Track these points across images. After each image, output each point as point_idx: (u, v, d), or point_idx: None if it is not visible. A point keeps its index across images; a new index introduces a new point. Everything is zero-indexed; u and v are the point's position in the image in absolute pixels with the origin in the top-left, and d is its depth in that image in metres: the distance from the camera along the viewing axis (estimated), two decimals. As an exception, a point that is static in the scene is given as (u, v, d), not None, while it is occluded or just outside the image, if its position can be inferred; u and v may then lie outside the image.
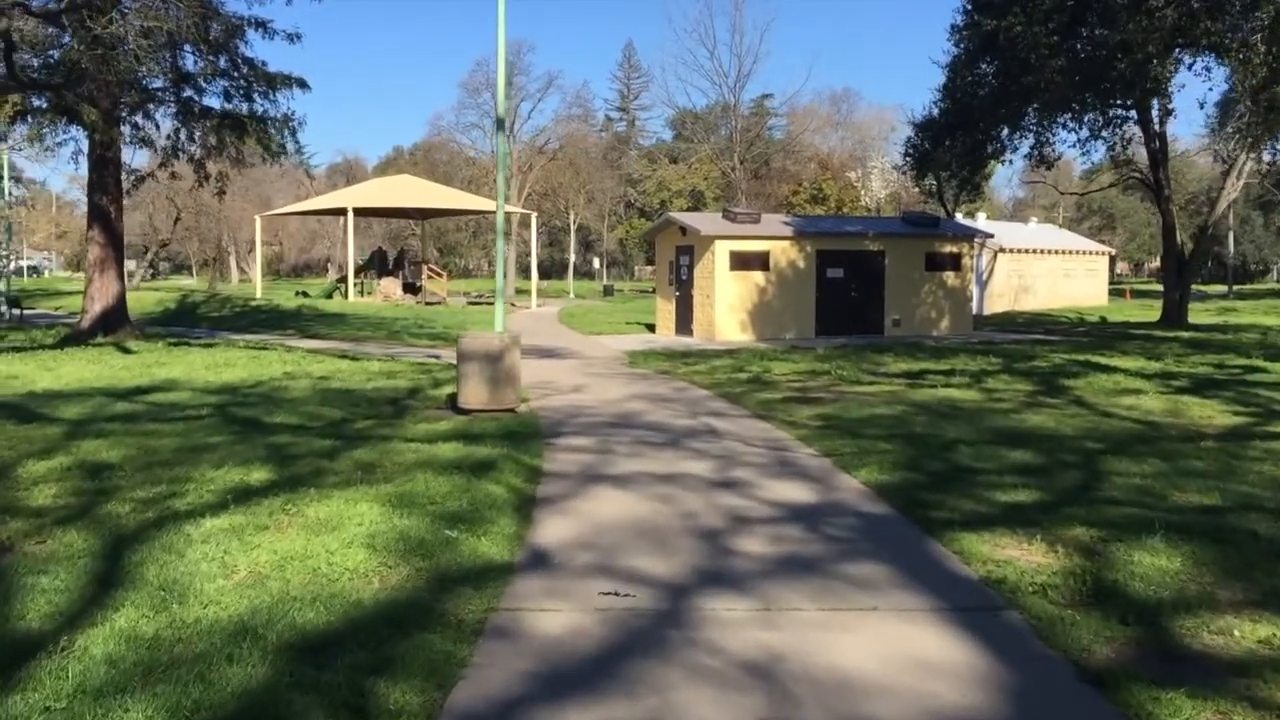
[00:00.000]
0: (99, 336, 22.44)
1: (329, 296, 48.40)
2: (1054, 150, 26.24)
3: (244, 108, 23.12)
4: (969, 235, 29.74)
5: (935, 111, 27.53)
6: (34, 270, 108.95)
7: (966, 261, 29.08)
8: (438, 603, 5.29)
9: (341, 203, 48.02)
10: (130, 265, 70.75)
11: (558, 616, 5.21)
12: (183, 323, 32.42)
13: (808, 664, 4.64)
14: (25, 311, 33.52)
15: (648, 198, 79.75)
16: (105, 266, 23.17)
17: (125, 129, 23.11)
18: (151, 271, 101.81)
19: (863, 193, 64.60)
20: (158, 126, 24.37)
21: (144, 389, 13.93)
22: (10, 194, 49.22)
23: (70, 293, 56.52)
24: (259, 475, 8.19)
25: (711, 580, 5.85)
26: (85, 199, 23.97)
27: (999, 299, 42.60)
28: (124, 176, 23.85)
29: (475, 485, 7.95)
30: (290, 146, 23.91)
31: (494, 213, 61.34)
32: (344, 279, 50.03)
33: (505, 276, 14.63)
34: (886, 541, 6.71)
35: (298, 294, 50.84)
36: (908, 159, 28.75)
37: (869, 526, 7.10)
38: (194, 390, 13.77)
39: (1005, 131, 25.59)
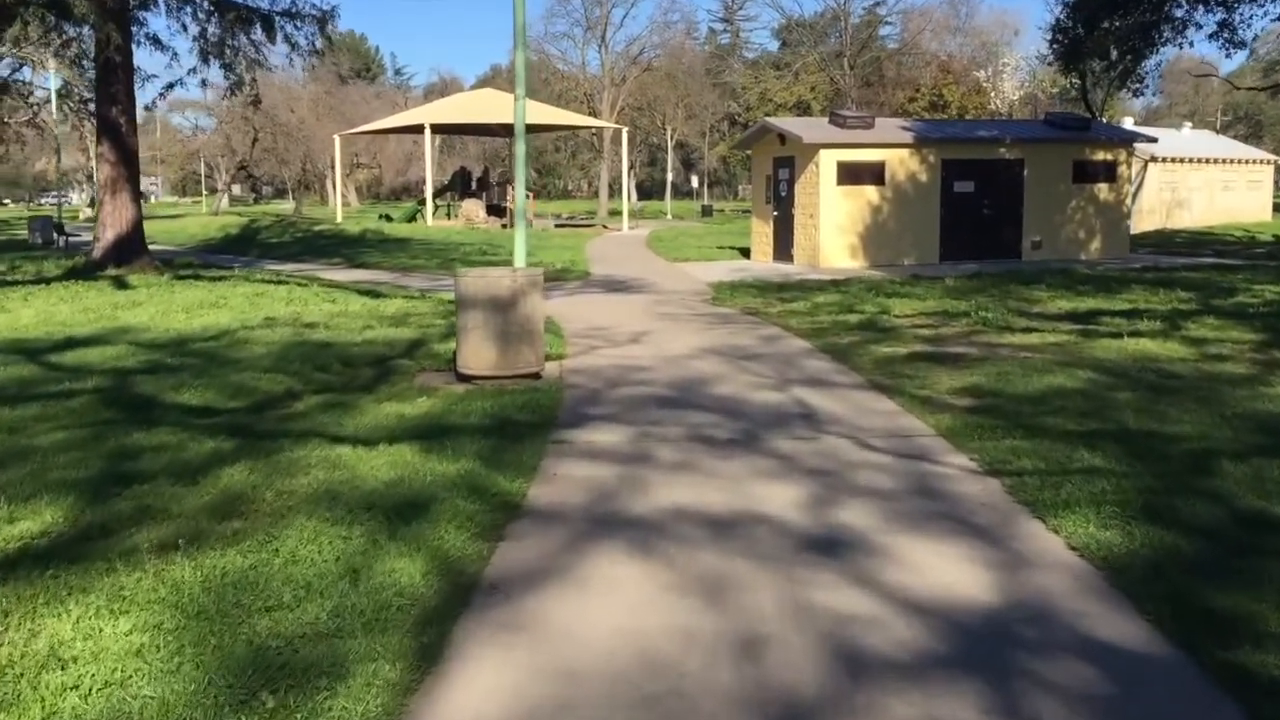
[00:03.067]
0: (109, 268, 19.64)
1: (411, 220, 45.54)
2: (1248, 26, 21.18)
3: (265, 1, 19.79)
4: (1126, 140, 24.94)
5: (1092, -14, 22.71)
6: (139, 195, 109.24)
7: (1123, 171, 24.34)
8: None
9: (419, 119, 44.76)
10: (223, 190, 69.17)
11: None
12: (236, 250, 29.75)
13: None
14: (71, 238, 31.23)
15: (750, 113, 74.72)
16: (118, 188, 20.28)
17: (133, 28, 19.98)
18: (254, 195, 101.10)
19: (992, 95, 58.30)
20: (185, 28, 21.24)
21: (75, 341, 10.84)
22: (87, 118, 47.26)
23: (158, 217, 54.82)
24: (26, 526, 4.87)
25: None
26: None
27: (1149, 215, 37.28)
28: (137, 83, 20.78)
29: (378, 555, 4.50)
30: (320, 44, 20.49)
31: (584, 128, 57.83)
32: (424, 201, 47.05)
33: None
34: (1183, 759, 3.04)
35: (381, 218, 48.16)
36: (1054, 47, 23.98)
37: (1125, 694, 3.42)
38: (134, 344, 10.62)
39: (1186, 5, 20.72)
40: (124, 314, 13.20)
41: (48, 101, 41.46)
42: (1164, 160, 38.37)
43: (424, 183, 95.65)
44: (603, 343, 11.35)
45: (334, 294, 15.64)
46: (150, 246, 32.15)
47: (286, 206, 74.30)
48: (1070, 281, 16.81)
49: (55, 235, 32.02)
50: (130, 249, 20.36)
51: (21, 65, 37.61)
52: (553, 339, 11.00)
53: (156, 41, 19.94)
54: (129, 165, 20.42)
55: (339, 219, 44.51)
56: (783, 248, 23.38)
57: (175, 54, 19.43)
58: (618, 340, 11.53)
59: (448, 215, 47.03)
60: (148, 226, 42.85)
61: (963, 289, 16.02)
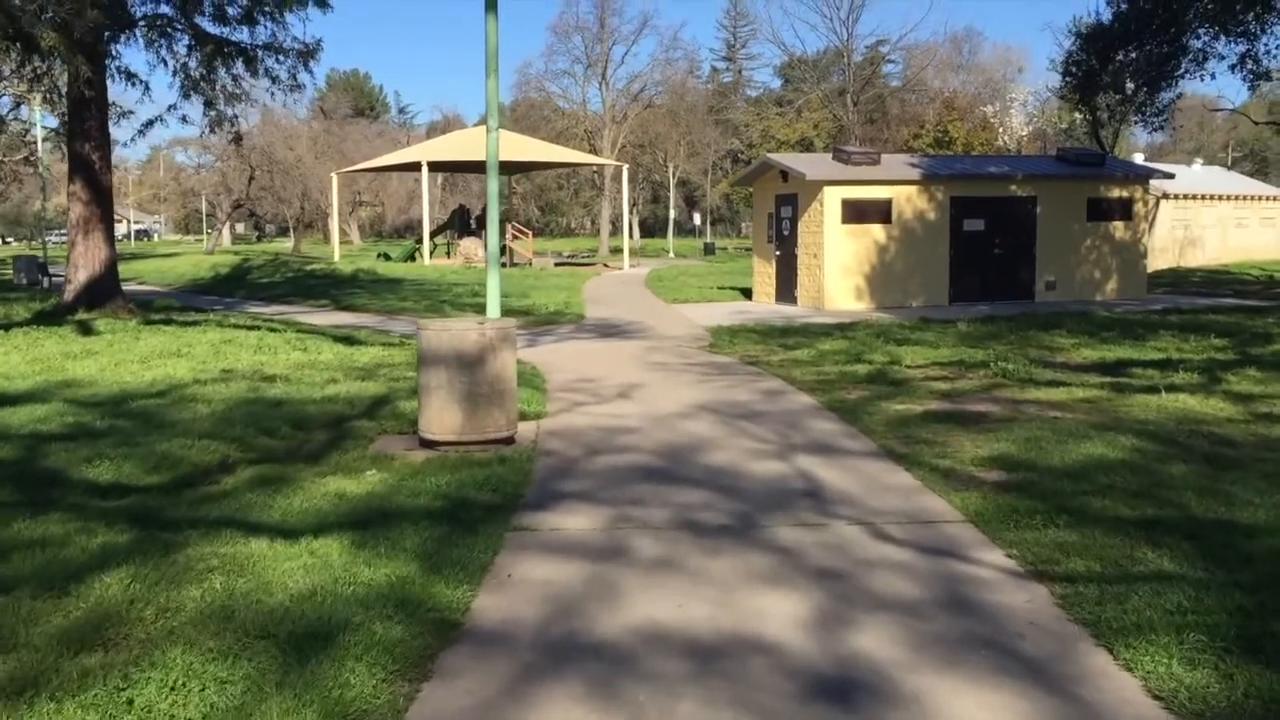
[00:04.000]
0: (80, 311, 18.70)
1: (410, 258, 44.80)
2: (1274, 57, 20.21)
3: (245, 34, 19.00)
4: (1142, 176, 24.03)
5: (1106, 16, 21.84)
6: (144, 234, 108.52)
7: (1140, 208, 23.41)
8: None
9: (415, 157, 44.13)
10: (226, 228, 68.41)
11: None
12: (223, 290, 28.89)
13: None
14: (56, 279, 30.33)
15: (753, 150, 74.19)
16: (90, 227, 19.35)
17: (107, 62, 19.15)
18: (257, 234, 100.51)
19: (1000, 131, 57.42)
20: (165, 63, 20.42)
21: (5, 399, 9.82)
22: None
23: (153, 255, 54.06)
24: None
25: None
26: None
27: (1162, 254, 36.29)
28: (112, 119, 19.95)
29: (257, 712, 3.47)
30: (305, 79, 19.69)
31: (585, 165, 57.23)
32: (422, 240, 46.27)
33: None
34: None
35: (379, 256, 47.46)
36: (1067, 80, 23.13)
37: None
38: (69, 402, 9.62)
39: (1205, 36, 19.83)
40: (74, 365, 12.22)
41: (46, 139, 40.89)
42: (1176, 197, 37.51)
43: (430, 221, 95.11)
44: (588, 398, 10.35)
45: (307, 341, 14.66)
46: (139, 286, 31.45)
47: (289, 245, 73.44)
48: (1091, 326, 15.82)
49: (39, 275, 31.18)
50: (103, 291, 19.40)
51: (20, 103, 37.07)
52: (533, 394, 10.04)
53: (129, 76, 19.08)
54: (102, 204, 19.51)
55: (336, 258, 43.69)
56: (785, 289, 22.44)
57: (148, 88, 18.86)
58: (605, 395, 10.53)
59: (447, 254, 46.25)
60: (141, 266, 42.24)
61: (977, 334, 15.03)
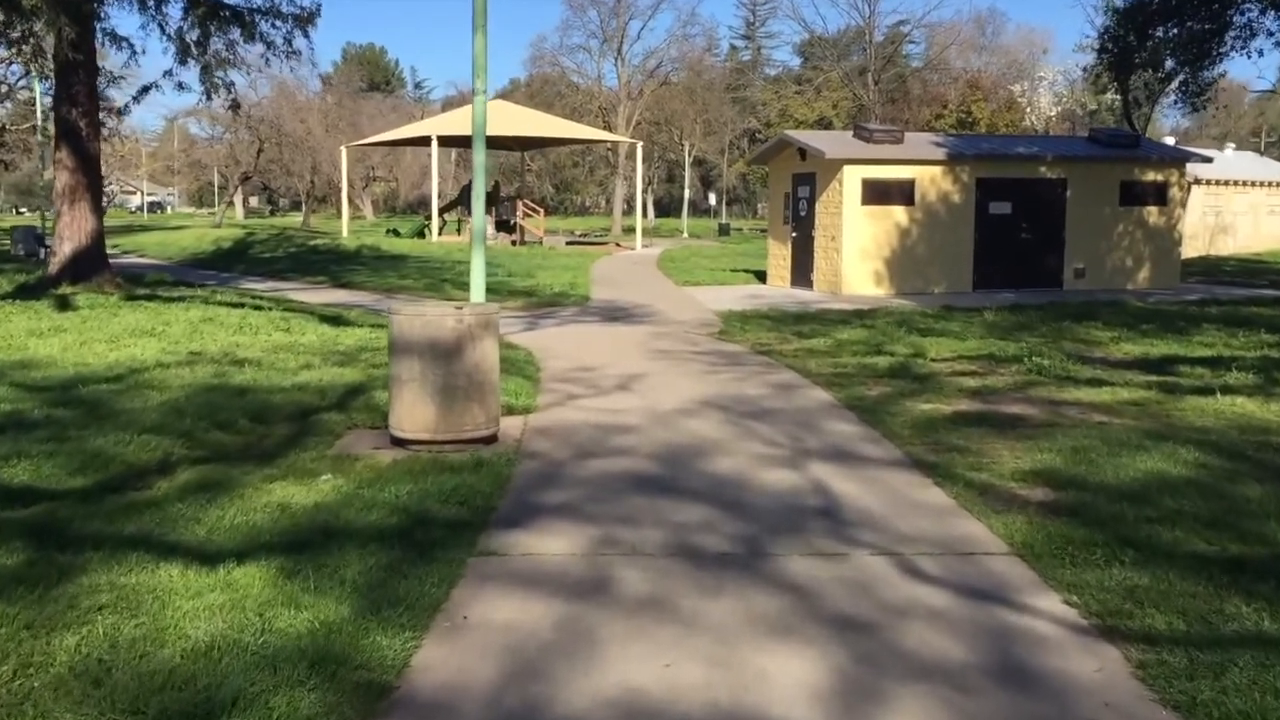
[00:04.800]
0: (64, 284, 17.91)
1: (420, 235, 43.97)
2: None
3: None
4: (1178, 159, 22.95)
5: (1145, -10, 20.72)
6: (157, 206, 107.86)
7: (1175, 193, 22.36)
8: None
9: (424, 131, 43.20)
10: (238, 201, 67.64)
11: None
12: (222, 265, 28.08)
13: None
14: (51, 249, 29.58)
15: (770, 129, 72.92)
16: (76, 197, 18.53)
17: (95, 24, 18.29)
18: (270, 208, 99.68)
19: (1028, 111, 56.04)
20: (161, 27, 19.56)
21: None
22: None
23: (159, 228, 53.34)
24: None
25: None
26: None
27: (1192, 240, 35.06)
28: (100, 84, 19.10)
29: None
30: (301, 45, 18.79)
31: (599, 142, 56.14)
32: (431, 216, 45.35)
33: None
34: None
35: (388, 232, 46.66)
36: (1103, 56, 22.04)
37: None
38: (15, 386, 8.80)
39: (1251, 11, 18.70)
40: (37, 343, 11.40)
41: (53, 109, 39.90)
42: (1208, 183, 36.31)
43: (439, 197, 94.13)
44: (584, 389, 9.48)
45: (293, 320, 13.83)
46: (137, 259, 30.68)
47: (300, 219, 72.57)
48: (1128, 317, 14.85)
49: (37, 246, 30.42)
50: (88, 264, 18.60)
51: (29, 70, 36.28)
52: (523, 385, 9.18)
53: (116, 39, 18.22)
54: (89, 172, 18.68)
55: (345, 233, 42.84)
56: (801, 272, 21.49)
57: (134, 51, 18.26)
58: (603, 386, 9.66)
59: (457, 230, 45.33)
60: (145, 238, 41.53)
61: (1006, 325, 14.09)
